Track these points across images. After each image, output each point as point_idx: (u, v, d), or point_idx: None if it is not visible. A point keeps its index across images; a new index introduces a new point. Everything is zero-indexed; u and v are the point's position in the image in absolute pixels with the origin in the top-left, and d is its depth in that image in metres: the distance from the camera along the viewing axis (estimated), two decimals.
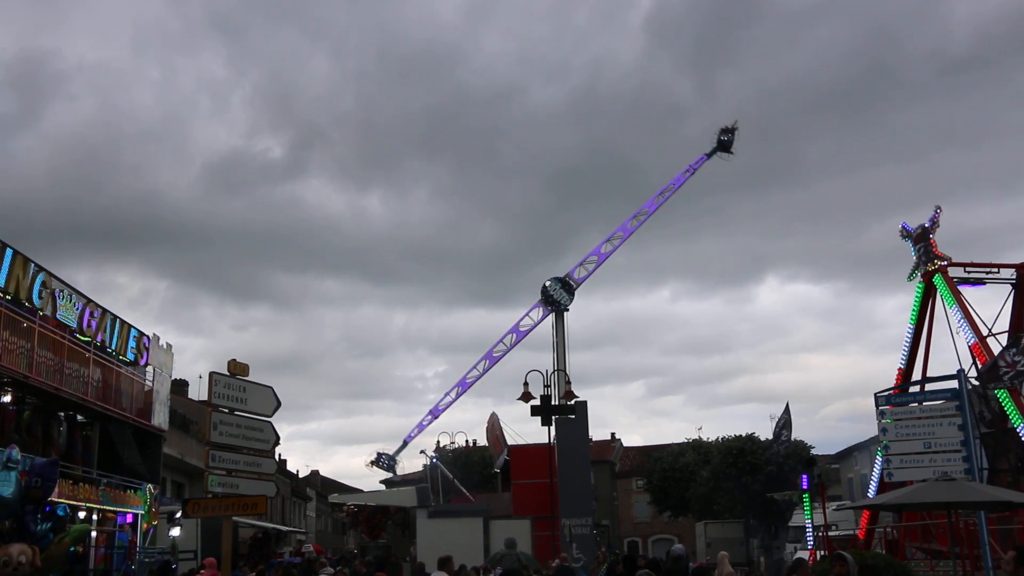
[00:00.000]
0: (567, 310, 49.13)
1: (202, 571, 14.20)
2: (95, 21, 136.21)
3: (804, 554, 31.61)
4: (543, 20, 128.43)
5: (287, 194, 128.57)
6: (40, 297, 18.35)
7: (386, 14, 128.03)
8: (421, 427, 53.74)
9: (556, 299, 48.51)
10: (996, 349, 23.60)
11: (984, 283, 25.92)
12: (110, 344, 22.06)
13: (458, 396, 53.04)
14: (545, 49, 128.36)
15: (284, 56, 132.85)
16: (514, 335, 50.96)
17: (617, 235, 50.47)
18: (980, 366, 22.99)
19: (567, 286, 48.94)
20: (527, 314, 50.72)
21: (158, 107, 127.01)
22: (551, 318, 49.25)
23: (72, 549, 15.40)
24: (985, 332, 24.45)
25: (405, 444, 53.84)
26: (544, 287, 49.20)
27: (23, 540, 11.35)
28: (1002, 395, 22.50)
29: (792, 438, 40.31)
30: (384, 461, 52.89)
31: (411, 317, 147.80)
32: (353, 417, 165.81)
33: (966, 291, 25.56)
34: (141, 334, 24.08)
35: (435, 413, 53.34)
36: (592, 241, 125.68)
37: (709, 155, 51.54)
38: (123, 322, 22.97)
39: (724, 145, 51.10)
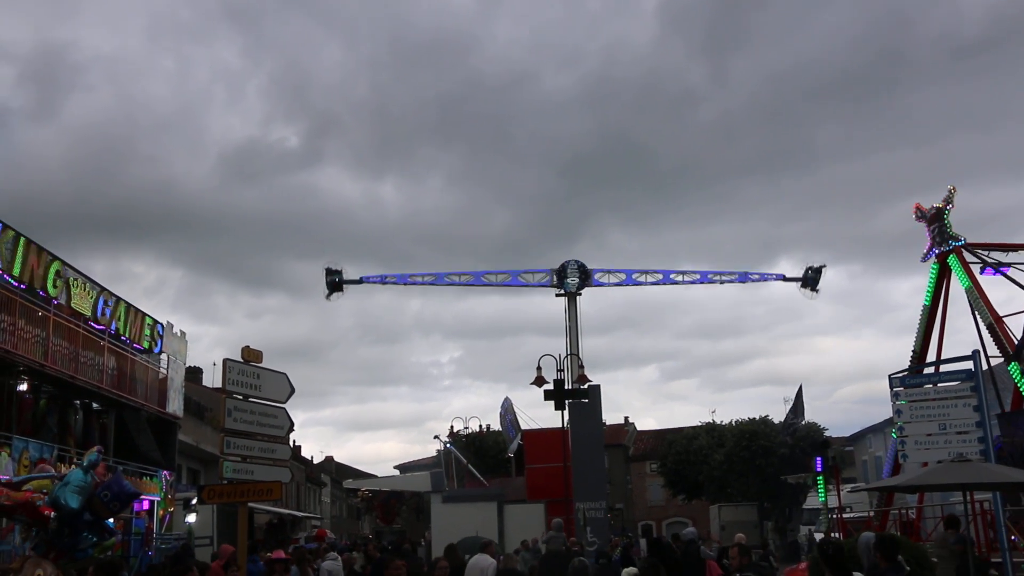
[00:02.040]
0: (579, 294, 48.98)
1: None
2: (110, 12, 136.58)
3: (817, 536, 31.63)
4: (556, 6, 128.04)
5: (302, 182, 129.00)
6: (55, 286, 18.43)
7: (398, 2, 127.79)
8: (384, 278, 52.20)
9: (567, 275, 48.16)
10: (1013, 328, 23.48)
11: (1009, 267, 25.58)
12: (124, 332, 22.16)
13: (426, 283, 51.94)
14: (558, 35, 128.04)
15: (298, 45, 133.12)
16: (510, 275, 50.24)
17: (656, 273, 49.84)
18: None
19: (584, 275, 48.67)
20: (537, 271, 50.19)
21: (174, 98, 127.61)
22: (564, 302, 49.10)
23: None
24: (1001, 313, 24.29)
25: (361, 281, 52.33)
26: (565, 264, 48.79)
27: (65, 545, 11.37)
28: (1017, 375, 22.39)
29: (803, 421, 40.24)
30: (335, 278, 51.16)
31: (425, 303, 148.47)
32: (368, 403, 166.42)
33: (984, 276, 25.36)
34: (155, 322, 24.18)
35: (401, 278, 51.88)
36: (605, 227, 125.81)
37: (786, 279, 47.95)
38: (137, 310, 23.07)
39: (808, 281, 47.84)
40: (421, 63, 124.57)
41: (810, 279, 46.70)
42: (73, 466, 13.88)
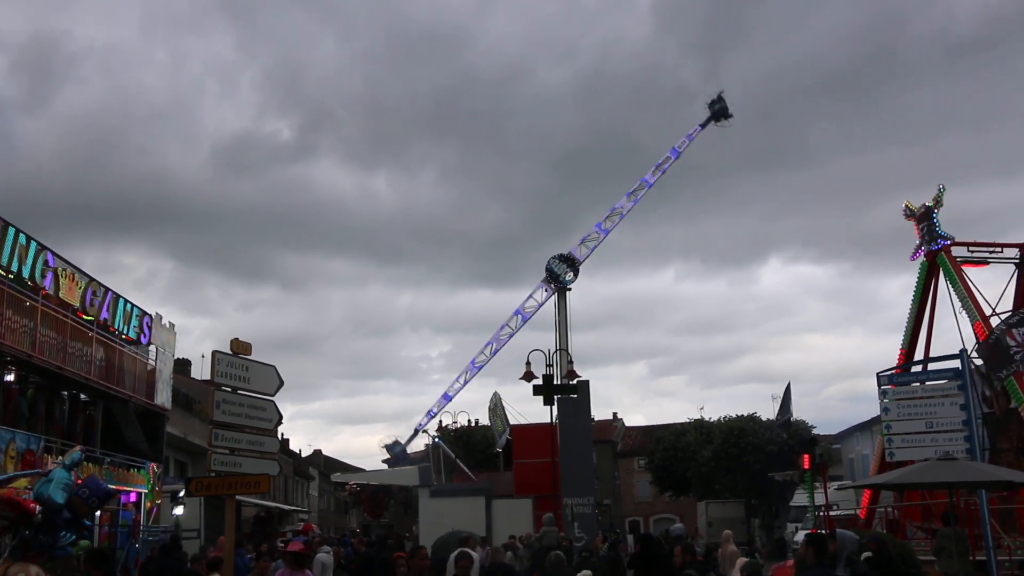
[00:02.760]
0: (569, 289, 49.09)
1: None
2: (105, 2, 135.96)
3: (802, 534, 31.79)
4: (551, 1, 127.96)
5: (296, 175, 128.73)
6: (42, 275, 18.34)
7: None
8: (431, 414, 53.54)
9: (557, 273, 48.40)
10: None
11: (988, 263, 25.86)
12: (113, 323, 22.07)
13: (467, 381, 53.13)
14: (553, 30, 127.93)
15: (293, 38, 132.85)
16: (519, 317, 50.97)
17: (617, 211, 50.33)
18: (981, 348, 22.85)
19: (570, 262, 48.86)
20: (531, 296, 50.69)
21: (167, 89, 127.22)
22: (554, 298, 49.24)
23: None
24: (988, 312, 24.41)
25: (417, 432, 53.48)
26: (548, 264, 49.09)
27: (44, 544, 11.34)
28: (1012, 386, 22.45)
29: (792, 418, 40.33)
30: (397, 449, 52.46)
31: (417, 297, 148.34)
32: (357, 397, 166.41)
33: (969, 271, 25.53)
34: (144, 313, 24.09)
35: (447, 397, 53.26)
36: (596, 223, 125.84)
37: (703, 125, 51.23)
38: (126, 301, 22.98)
39: (718, 113, 50.85)
40: (416, 57, 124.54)
41: (718, 111, 50.77)
42: (56, 464, 13.89)
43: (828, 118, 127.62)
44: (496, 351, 51.73)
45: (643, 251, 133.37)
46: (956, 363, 18.93)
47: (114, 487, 20.45)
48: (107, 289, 21.79)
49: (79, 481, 12.89)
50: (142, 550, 20.41)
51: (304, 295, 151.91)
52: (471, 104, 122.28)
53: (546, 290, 49.77)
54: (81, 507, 12.23)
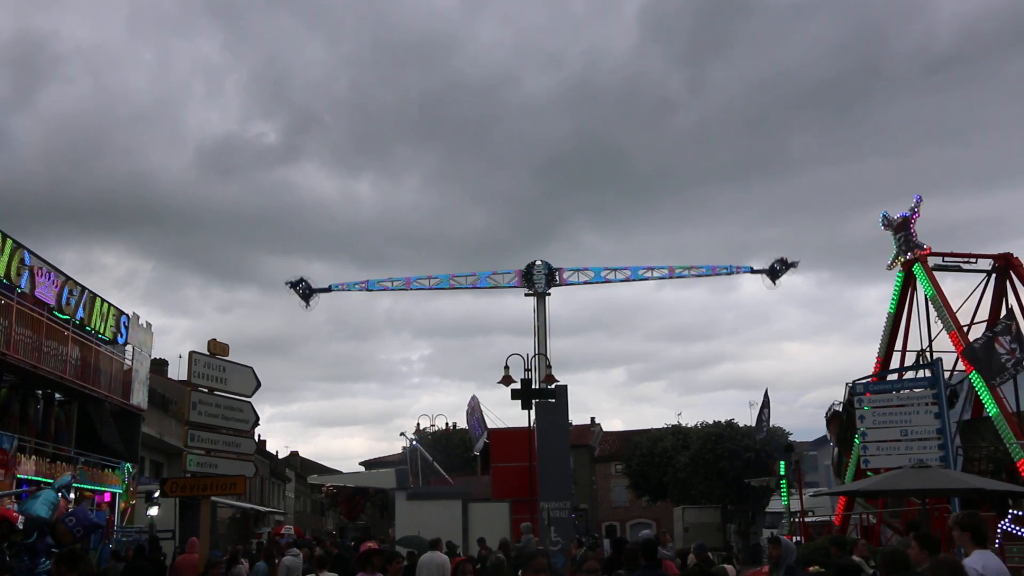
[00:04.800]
0: (548, 294, 48.99)
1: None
2: (92, 2, 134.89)
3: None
4: (539, 10, 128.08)
5: (279, 178, 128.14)
6: (17, 273, 18.19)
7: (383, 1, 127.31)
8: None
9: (535, 280, 48.28)
10: (974, 339, 23.76)
11: (961, 269, 26.08)
12: (89, 323, 21.91)
13: (403, 288, 52.19)
14: (540, 39, 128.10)
15: (280, 41, 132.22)
16: (479, 277, 50.21)
17: (625, 271, 50.36)
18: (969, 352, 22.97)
19: (550, 275, 48.71)
20: (506, 273, 50.16)
21: (152, 90, 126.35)
22: (533, 302, 49.10)
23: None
24: (963, 322, 24.62)
25: (329, 289, 52.44)
26: (529, 266, 48.82)
27: (23, 568, 11.27)
28: (978, 384, 22.65)
29: (770, 425, 40.50)
30: (303, 288, 51.29)
31: (397, 301, 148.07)
32: (336, 399, 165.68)
33: (944, 280, 25.74)
34: (121, 313, 23.93)
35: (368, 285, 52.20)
36: (578, 230, 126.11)
37: (754, 271, 51.16)
38: (103, 301, 22.82)
39: (774, 272, 50.62)
40: (403, 62, 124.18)
41: (774, 270, 49.93)
42: (43, 487, 13.88)
43: (809, 130, 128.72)
44: (439, 287, 51.12)
45: (624, 257, 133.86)
46: (931, 371, 19.11)
47: (88, 487, 20.36)
48: (84, 288, 21.64)
49: (64, 503, 12.79)
50: (116, 551, 20.27)
51: (284, 297, 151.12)
52: (457, 110, 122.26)
53: (516, 279, 49.49)
54: (66, 535, 12.16)
